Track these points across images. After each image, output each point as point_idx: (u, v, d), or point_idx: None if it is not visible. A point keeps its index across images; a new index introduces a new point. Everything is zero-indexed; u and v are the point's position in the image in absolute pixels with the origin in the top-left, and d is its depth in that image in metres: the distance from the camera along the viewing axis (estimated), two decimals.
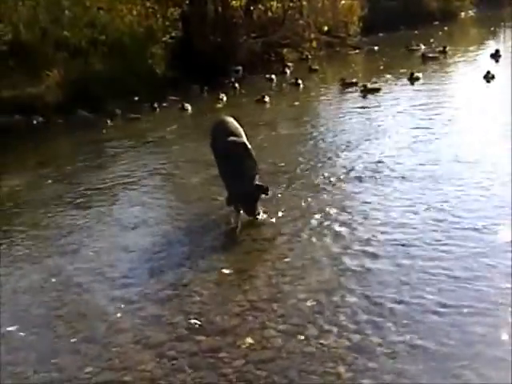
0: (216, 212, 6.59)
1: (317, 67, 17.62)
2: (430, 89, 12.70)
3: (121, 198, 7.57)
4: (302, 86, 14.75)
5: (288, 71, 17.26)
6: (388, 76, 14.85)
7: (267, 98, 13.08)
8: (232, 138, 6.41)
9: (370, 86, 13.04)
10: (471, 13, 29.06)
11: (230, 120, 6.82)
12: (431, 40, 20.70)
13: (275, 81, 16.07)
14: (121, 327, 4.48)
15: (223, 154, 6.40)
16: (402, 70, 14.96)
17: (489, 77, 12.62)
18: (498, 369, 3.58)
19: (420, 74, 13.75)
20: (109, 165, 9.25)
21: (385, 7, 23.92)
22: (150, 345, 4.20)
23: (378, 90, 12.82)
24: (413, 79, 13.57)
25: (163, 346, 4.17)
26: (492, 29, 23.27)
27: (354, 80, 13.91)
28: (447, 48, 17.63)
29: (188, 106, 13.13)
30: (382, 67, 16.47)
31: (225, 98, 13.77)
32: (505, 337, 3.86)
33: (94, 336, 4.40)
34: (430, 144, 8.29)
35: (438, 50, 17.86)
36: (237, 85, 15.40)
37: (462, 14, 28.62)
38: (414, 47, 19.01)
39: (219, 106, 13.32)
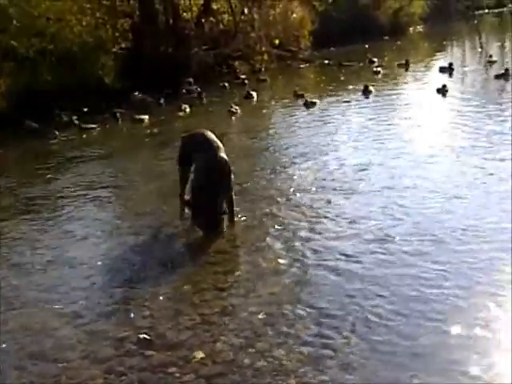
0: (167, 224, 6.52)
1: (265, 77, 17.73)
2: (384, 101, 12.91)
3: (69, 210, 7.42)
4: (255, 98, 14.76)
5: (247, 83, 17.26)
6: (341, 88, 15.01)
7: (236, 108, 12.97)
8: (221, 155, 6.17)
9: (309, 99, 13.09)
10: (420, 28, 29.68)
11: (211, 134, 6.55)
12: (385, 54, 21.05)
13: (228, 89, 16.10)
14: (68, 342, 4.36)
15: (207, 167, 6.13)
16: (355, 83, 15.14)
17: (444, 90, 12.83)
18: (447, 379, 3.62)
19: (373, 88, 13.92)
20: (57, 176, 9.08)
21: (335, 22, 24.22)
22: (98, 360, 4.11)
23: (315, 103, 12.87)
24: (367, 92, 13.74)
25: (112, 361, 4.08)
26: (444, 43, 23.81)
27: (305, 93, 14.00)
28: (410, 61, 17.82)
29: (144, 117, 12.95)
30: (333, 80, 16.65)
31: (188, 109, 13.59)
32: (454, 348, 3.90)
33: (41, 352, 4.28)
34: (384, 156, 8.37)
35: (400, 63, 18.01)
36: (204, 95, 15.32)
37: (411, 29, 29.21)
38: (346, 63, 19.24)
39: (181, 115, 13.19)
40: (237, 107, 13.00)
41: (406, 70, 17.33)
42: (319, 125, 11.03)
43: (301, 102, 13.26)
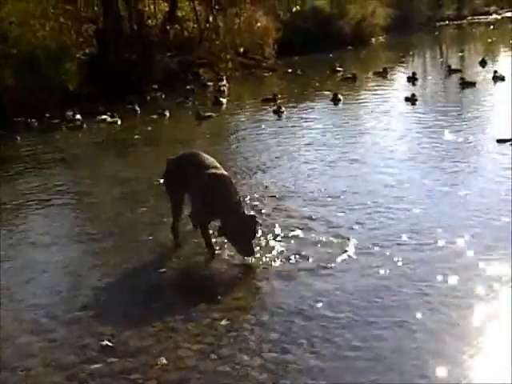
0: (129, 230, 6.50)
1: (227, 85, 17.75)
2: (353, 109, 13.04)
3: (31, 217, 7.34)
4: (224, 104, 14.72)
5: (226, 90, 17.14)
6: (311, 97, 15.09)
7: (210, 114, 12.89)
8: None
9: (278, 106, 13.05)
10: (382, 39, 29.99)
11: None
12: (350, 63, 21.29)
13: (196, 95, 16.12)
14: (29, 350, 4.33)
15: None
16: (323, 91, 15.22)
17: (413, 99, 13.01)
18: (408, 381, 3.69)
19: (342, 96, 13.98)
20: (19, 182, 8.96)
21: (300, 31, 24.33)
22: (60, 367, 4.08)
23: (284, 111, 12.88)
24: (336, 100, 13.80)
25: (73, 368, 4.06)
26: (410, 53, 24.14)
27: (274, 100, 14.04)
28: (388, 69, 17.82)
29: (114, 120, 12.78)
30: (302, 88, 16.71)
31: (168, 114, 13.47)
32: (413, 349, 3.98)
33: (1, 359, 4.24)
34: (347, 165, 8.43)
35: (377, 71, 17.97)
36: (190, 98, 15.23)
37: (373, 39, 29.50)
38: (299, 72, 19.43)
39: (155, 118, 13.13)
40: (210, 113, 12.94)
41: (384, 77, 17.33)
42: (288, 132, 11.09)
43: (270, 108, 13.28)
